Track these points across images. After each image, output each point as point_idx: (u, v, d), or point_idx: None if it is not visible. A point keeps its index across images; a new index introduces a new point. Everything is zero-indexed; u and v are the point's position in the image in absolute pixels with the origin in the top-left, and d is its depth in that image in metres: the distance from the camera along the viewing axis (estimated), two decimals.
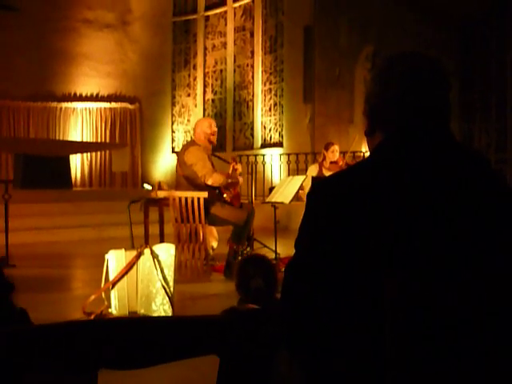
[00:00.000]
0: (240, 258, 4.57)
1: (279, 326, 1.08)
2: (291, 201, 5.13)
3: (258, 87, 11.37)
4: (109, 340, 0.91)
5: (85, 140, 12.29)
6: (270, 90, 11.21)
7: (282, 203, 5.19)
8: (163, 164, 12.74)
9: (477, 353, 0.95)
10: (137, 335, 0.94)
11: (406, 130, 1.11)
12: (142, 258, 3.39)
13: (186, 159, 4.83)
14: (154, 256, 3.36)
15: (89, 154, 12.22)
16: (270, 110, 11.24)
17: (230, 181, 4.97)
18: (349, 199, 1.05)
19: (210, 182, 4.74)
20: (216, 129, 5.04)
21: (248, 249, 5.15)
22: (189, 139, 12.29)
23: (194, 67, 12.66)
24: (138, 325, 0.98)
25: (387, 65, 1.17)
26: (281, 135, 10.91)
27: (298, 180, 5.32)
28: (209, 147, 4.99)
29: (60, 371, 0.92)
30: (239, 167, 5.21)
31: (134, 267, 3.38)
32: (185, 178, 4.85)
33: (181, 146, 12.25)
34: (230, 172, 5.13)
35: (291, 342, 1.08)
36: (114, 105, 12.64)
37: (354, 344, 1.01)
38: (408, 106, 1.12)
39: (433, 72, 1.14)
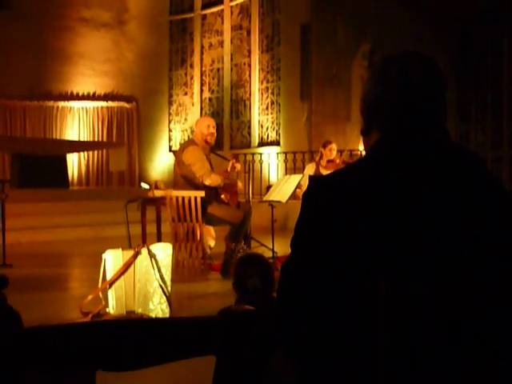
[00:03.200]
0: (237, 256, 4.57)
1: (275, 326, 1.09)
2: (288, 200, 5.13)
3: (255, 86, 11.37)
4: (105, 341, 0.92)
5: (82, 139, 12.27)
6: (267, 88, 11.21)
7: (279, 202, 5.19)
8: (160, 163, 12.73)
9: (474, 354, 0.95)
10: (133, 336, 0.94)
11: (401, 131, 1.11)
12: (139, 257, 3.38)
13: (184, 159, 4.82)
14: (152, 255, 3.36)
15: (86, 153, 12.20)
16: (267, 108, 11.23)
17: (227, 181, 4.97)
18: (344, 199, 1.05)
19: (207, 183, 4.74)
20: (214, 130, 4.96)
21: (245, 247, 5.15)
22: (186, 138, 12.28)
23: (191, 66, 12.64)
24: (134, 326, 0.98)
25: (383, 64, 1.18)
26: (278, 134, 10.91)
27: (295, 179, 5.32)
28: (207, 147, 4.98)
29: (57, 372, 0.92)
30: (238, 165, 5.20)
31: (132, 267, 3.37)
32: (183, 177, 4.85)
33: (178, 145, 12.27)
34: (229, 169, 5.12)
35: (286, 342, 1.08)
36: (110, 104, 12.62)
37: (350, 345, 1.01)
38: (403, 107, 1.12)
39: (428, 73, 1.14)
